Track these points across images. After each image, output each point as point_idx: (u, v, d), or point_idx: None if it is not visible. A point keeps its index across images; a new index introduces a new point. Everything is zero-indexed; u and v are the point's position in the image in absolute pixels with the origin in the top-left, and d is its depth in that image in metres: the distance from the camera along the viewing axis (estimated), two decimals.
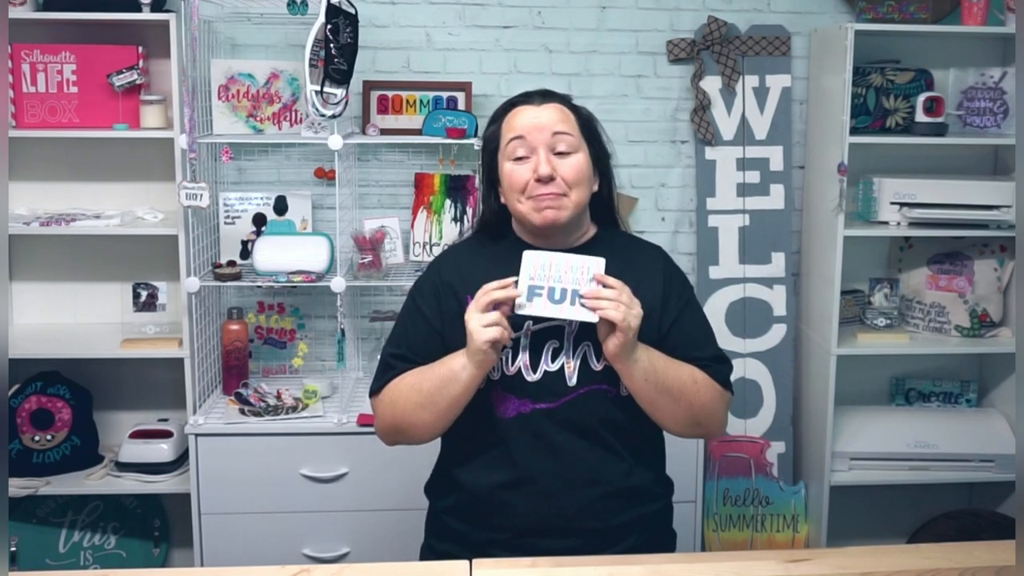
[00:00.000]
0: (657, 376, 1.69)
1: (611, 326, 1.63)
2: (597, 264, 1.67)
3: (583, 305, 1.64)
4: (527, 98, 1.81)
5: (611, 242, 1.85)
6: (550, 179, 1.72)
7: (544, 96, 1.81)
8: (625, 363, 1.66)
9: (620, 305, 1.62)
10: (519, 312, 1.65)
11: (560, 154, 1.75)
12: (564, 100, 1.82)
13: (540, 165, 1.72)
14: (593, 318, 1.63)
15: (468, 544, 1.76)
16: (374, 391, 1.84)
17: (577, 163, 1.76)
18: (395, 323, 1.88)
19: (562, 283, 1.65)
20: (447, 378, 1.70)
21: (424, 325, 1.80)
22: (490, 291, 1.65)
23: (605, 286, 1.65)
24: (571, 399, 1.72)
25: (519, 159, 1.75)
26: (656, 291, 1.80)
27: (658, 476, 1.87)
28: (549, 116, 1.76)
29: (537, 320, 1.71)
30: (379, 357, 1.87)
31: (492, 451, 1.76)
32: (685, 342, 1.79)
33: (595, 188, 1.82)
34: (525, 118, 1.77)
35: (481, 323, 1.63)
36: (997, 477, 3.02)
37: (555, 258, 1.67)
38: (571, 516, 1.73)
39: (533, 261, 1.67)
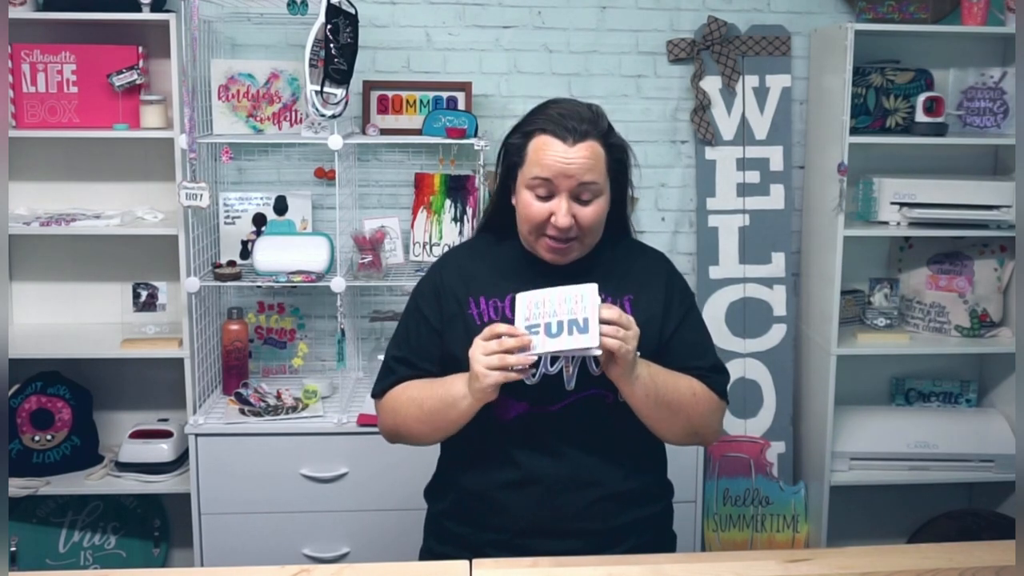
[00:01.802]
0: (658, 392, 1.69)
1: (610, 352, 1.62)
2: (590, 292, 1.61)
3: (581, 332, 1.60)
4: (562, 130, 1.69)
5: (612, 251, 1.84)
6: (568, 229, 1.71)
7: (577, 132, 1.69)
8: (627, 382, 1.66)
9: (619, 329, 1.61)
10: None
11: (582, 201, 1.71)
12: (600, 135, 1.72)
13: (559, 216, 1.69)
14: (592, 344, 1.59)
15: (467, 546, 1.76)
16: (376, 393, 1.85)
17: (596, 210, 1.72)
18: (398, 324, 1.88)
19: (557, 316, 1.61)
20: (447, 402, 1.70)
21: (425, 327, 1.80)
22: (500, 337, 1.61)
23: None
24: (569, 403, 1.72)
25: (539, 197, 1.71)
26: (658, 298, 1.80)
27: (657, 479, 1.87)
28: (580, 163, 1.68)
29: (538, 363, 1.67)
30: (382, 357, 1.88)
31: (491, 453, 1.76)
32: (685, 351, 1.80)
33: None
34: (554, 158, 1.68)
35: (485, 365, 1.61)
36: (997, 477, 3.02)
37: (547, 295, 1.64)
38: (569, 517, 1.74)
39: (526, 302, 1.65)
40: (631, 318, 1.65)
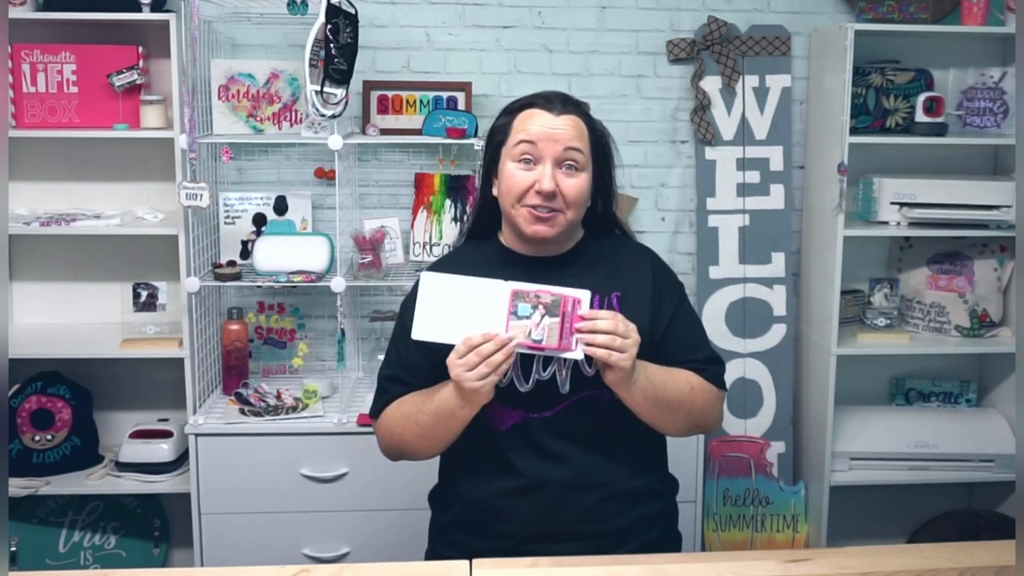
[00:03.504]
0: (656, 393, 1.69)
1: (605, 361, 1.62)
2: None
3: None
4: (547, 102, 1.74)
5: (597, 248, 1.84)
6: (551, 196, 1.71)
7: (564, 105, 1.75)
8: (625, 388, 1.66)
9: (615, 339, 1.60)
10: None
11: (566, 170, 1.72)
12: (582, 112, 1.78)
13: (544, 179, 1.69)
14: (579, 356, 1.61)
15: (472, 552, 1.75)
16: (373, 414, 1.86)
17: (580, 183, 1.73)
18: (388, 342, 1.88)
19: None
20: (444, 415, 1.69)
21: (414, 343, 1.79)
22: (482, 348, 1.60)
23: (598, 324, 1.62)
24: (565, 407, 1.72)
25: (524, 163, 1.72)
26: (646, 293, 1.79)
27: (660, 475, 1.87)
28: (565, 129, 1.72)
29: (531, 370, 1.68)
30: (382, 357, 1.88)
31: (491, 462, 1.75)
32: (680, 345, 1.79)
33: (588, 204, 1.80)
34: (541, 124, 1.72)
35: (476, 378, 1.60)
36: (997, 477, 3.02)
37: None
38: (573, 521, 1.73)
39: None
40: (633, 326, 1.64)
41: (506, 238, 1.83)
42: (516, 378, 1.71)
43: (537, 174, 1.71)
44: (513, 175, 1.73)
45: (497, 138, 1.79)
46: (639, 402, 1.69)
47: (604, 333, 1.60)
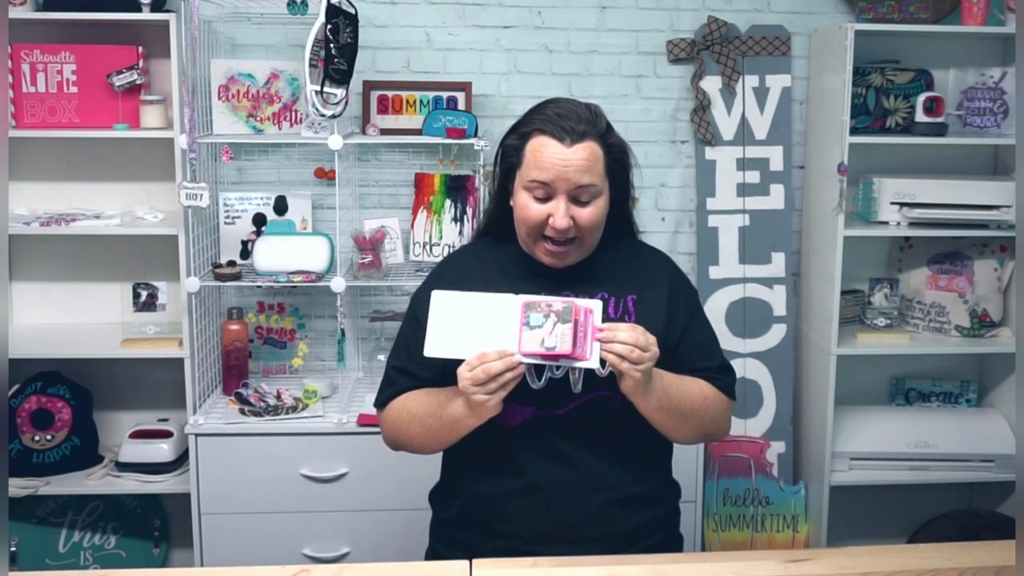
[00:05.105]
0: (671, 403, 1.69)
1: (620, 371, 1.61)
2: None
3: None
4: (559, 130, 1.68)
5: (614, 252, 1.83)
6: (566, 230, 1.70)
7: (575, 129, 1.68)
8: (640, 396, 1.66)
9: (634, 350, 1.60)
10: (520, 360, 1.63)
11: (581, 201, 1.70)
12: (596, 133, 1.71)
13: (558, 217, 1.68)
14: (594, 365, 1.61)
15: (474, 552, 1.74)
16: (378, 404, 1.85)
17: (595, 211, 1.71)
18: (398, 333, 1.88)
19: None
20: (449, 422, 1.69)
21: (423, 336, 1.79)
22: (489, 365, 1.60)
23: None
24: (576, 406, 1.71)
25: (537, 198, 1.70)
26: (662, 299, 1.79)
27: (665, 480, 1.87)
28: (577, 164, 1.67)
29: (543, 368, 1.67)
30: (382, 357, 1.88)
31: (497, 459, 1.75)
32: (694, 353, 1.80)
33: (604, 220, 1.78)
34: (552, 160, 1.67)
35: (484, 393, 1.60)
36: (997, 477, 3.02)
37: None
38: (578, 524, 1.73)
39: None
40: (653, 339, 1.63)
41: (523, 242, 1.82)
42: (528, 375, 1.68)
43: (551, 207, 1.69)
44: (527, 207, 1.71)
45: (509, 159, 1.76)
46: (654, 410, 1.69)
47: (623, 344, 1.60)
